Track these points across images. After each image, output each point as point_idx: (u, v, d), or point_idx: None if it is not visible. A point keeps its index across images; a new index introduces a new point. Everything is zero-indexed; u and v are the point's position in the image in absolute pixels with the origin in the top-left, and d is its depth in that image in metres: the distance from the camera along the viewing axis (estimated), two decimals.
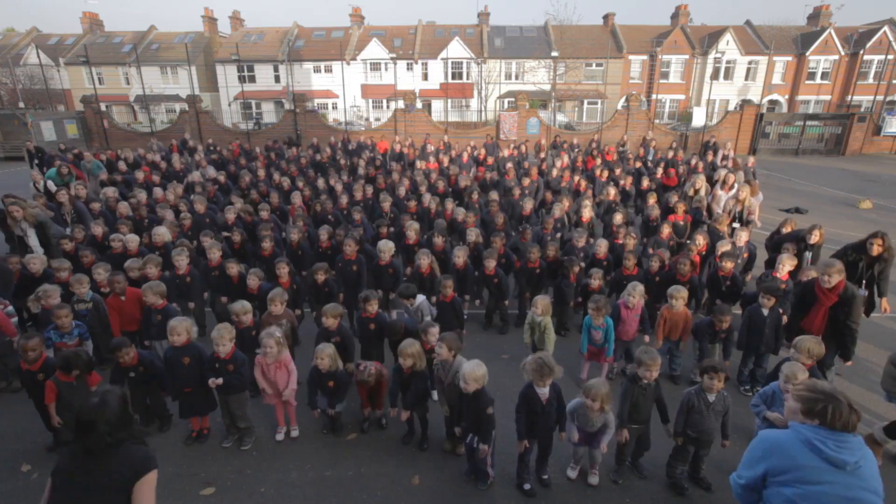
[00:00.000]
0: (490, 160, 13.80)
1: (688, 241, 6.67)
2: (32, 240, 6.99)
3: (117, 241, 6.41)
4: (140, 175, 10.41)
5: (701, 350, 4.86)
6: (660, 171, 11.34)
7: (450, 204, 8.33)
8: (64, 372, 3.79)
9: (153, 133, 21.82)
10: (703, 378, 3.51)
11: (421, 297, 5.28)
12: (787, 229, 6.61)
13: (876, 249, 5.25)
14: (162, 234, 6.62)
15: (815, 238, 6.24)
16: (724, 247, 6.05)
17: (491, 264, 5.92)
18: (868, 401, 4.82)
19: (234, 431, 4.24)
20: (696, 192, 9.19)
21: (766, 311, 4.75)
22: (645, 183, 10.14)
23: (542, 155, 14.33)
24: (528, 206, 8.08)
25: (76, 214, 7.95)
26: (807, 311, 4.69)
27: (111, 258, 6.16)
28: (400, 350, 3.90)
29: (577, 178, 10.73)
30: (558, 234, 7.63)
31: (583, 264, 6.19)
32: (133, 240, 6.41)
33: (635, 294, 4.95)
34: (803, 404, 2.17)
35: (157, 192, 9.45)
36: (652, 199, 8.47)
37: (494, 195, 8.75)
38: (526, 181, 10.11)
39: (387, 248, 6.01)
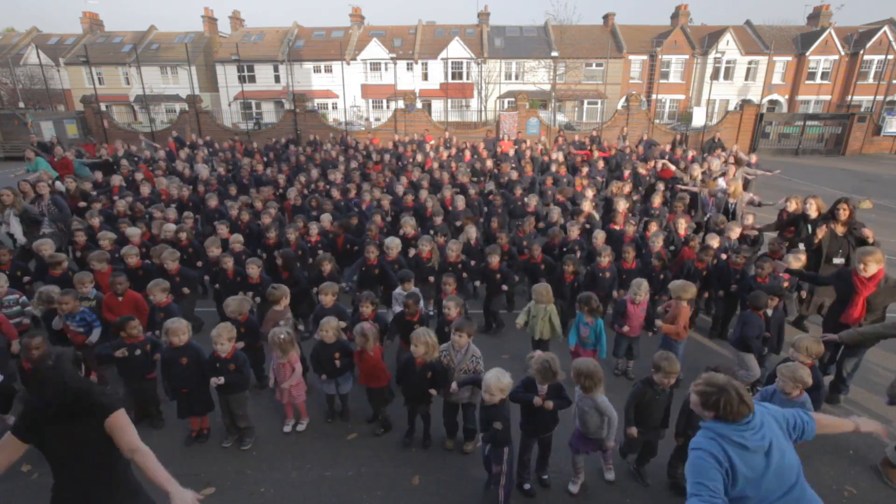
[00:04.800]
0: (485, 153, 13.90)
1: (692, 236, 6.73)
2: (14, 227, 7.12)
3: (105, 238, 6.39)
4: (139, 175, 10.42)
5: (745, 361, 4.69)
6: (659, 164, 11.41)
7: (448, 192, 8.34)
8: None
9: (153, 133, 21.77)
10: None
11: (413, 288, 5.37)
12: (791, 206, 6.65)
13: (843, 214, 5.57)
14: (170, 230, 6.69)
15: (813, 212, 6.39)
16: (713, 240, 6.16)
17: (494, 260, 5.92)
18: (868, 401, 4.83)
19: (234, 431, 4.24)
20: (693, 179, 9.46)
21: (770, 312, 4.74)
22: (643, 171, 10.32)
23: (540, 148, 14.42)
24: (533, 202, 8.12)
25: (55, 208, 7.89)
26: (844, 301, 4.56)
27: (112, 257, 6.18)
28: (413, 338, 3.85)
29: (584, 169, 10.86)
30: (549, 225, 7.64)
31: (580, 267, 6.16)
32: (135, 234, 6.54)
33: (640, 292, 4.94)
34: (700, 397, 2.27)
35: (162, 181, 9.50)
36: (658, 199, 8.52)
37: (491, 186, 8.80)
38: (517, 174, 10.11)
39: (394, 244, 6.07)
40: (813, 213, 6.36)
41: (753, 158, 12.36)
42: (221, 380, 3.88)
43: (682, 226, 6.89)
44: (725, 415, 2.18)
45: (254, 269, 5.60)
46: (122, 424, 2.37)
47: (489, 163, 11.57)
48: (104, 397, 2.40)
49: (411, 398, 4.04)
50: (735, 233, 6.57)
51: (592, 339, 4.70)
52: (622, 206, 7.67)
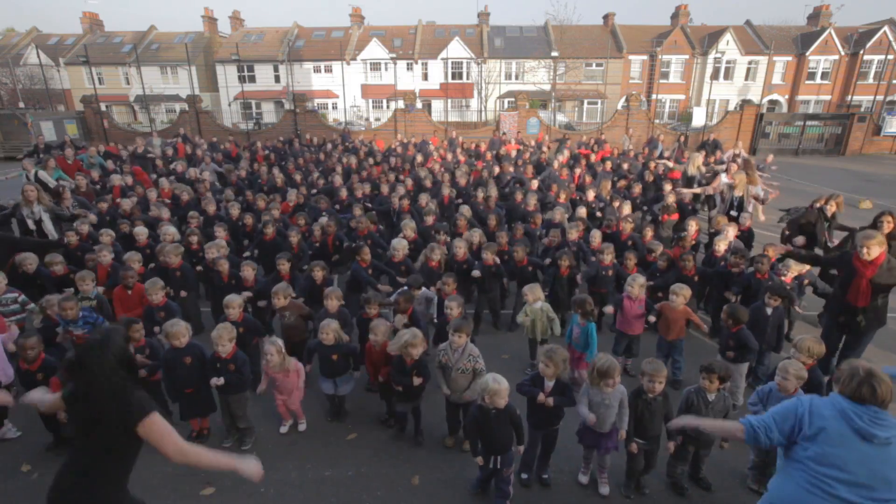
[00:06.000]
0: (489, 155, 13.87)
1: (682, 234, 6.69)
2: (48, 224, 7.05)
3: (106, 236, 6.40)
4: (139, 188, 10.38)
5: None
6: (660, 166, 11.39)
7: (446, 190, 8.33)
8: (68, 374, 3.75)
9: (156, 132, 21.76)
10: (702, 376, 3.50)
11: (423, 289, 5.40)
12: (831, 208, 6.55)
13: (887, 227, 5.38)
14: (171, 233, 6.69)
15: (832, 209, 6.41)
16: (721, 242, 6.11)
17: (488, 256, 5.89)
18: None
19: (234, 431, 4.24)
20: (697, 170, 9.46)
21: (769, 310, 4.74)
22: (649, 175, 10.35)
23: (545, 150, 14.40)
24: (532, 201, 8.11)
25: (78, 207, 7.92)
26: (845, 285, 4.55)
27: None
28: (407, 343, 3.84)
29: (578, 171, 10.84)
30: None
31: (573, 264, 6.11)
32: (142, 232, 6.55)
33: (635, 286, 4.95)
34: (841, 375, 2.31)
35: (164, 182, 9.49)
36: (671, 197, 8.50)
37: (493, 191, 8.79)
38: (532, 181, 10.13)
39: (400, 246, 6.10)
40: (830, 211, 6.40)
41: (769, 157, 12.26)
42: (221, 381, 3.88)
43: (693, 227, 6.86)
44: (856, 395, 2.20)
45: (248, 272, 5.53)
46: (159, 431, 2.26)
47: (495, 169, 11.45)
48: (137, 401, 2.27)
49: (403, 396, 4.05)
50: (731, 233, 6.54)
51: (583, 341, 4.70)
52: (626, 209, 7.65)
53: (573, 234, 6.55)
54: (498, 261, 5.95)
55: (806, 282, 5.70)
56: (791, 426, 2.33)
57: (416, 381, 3.87)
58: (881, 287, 4.39)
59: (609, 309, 5.14)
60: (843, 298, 4.61)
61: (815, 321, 6.30)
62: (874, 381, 2.18)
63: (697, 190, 9.17)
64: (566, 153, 12.71)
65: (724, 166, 10.02)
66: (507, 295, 6.59)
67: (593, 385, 3.44)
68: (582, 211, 7.83)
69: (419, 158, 12.76)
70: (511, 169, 11.15)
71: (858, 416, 2.16)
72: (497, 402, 3.23)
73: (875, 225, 5.57)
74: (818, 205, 6.70)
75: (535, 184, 9.64)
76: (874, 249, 4.28)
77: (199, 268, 6.17)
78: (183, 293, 5.84)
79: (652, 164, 11.35)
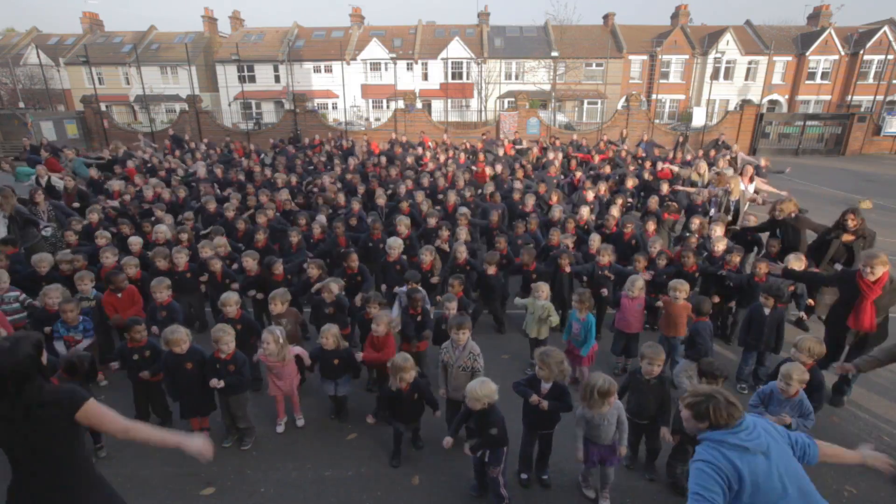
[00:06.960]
0: (482, 157, 13.86)
1: (686, 234, 6.67)
2: (0, 230, 6.88)
3: (102, 237, 6.36)
4: (139, 180, 10.38)
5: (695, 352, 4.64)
6: (660, 165, 11.40)
7: (452, 197, 8.42)
8: (68, 374, 3.77)
9: (153, 134, 21.80)
10: (701, 381, 3.50)
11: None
12: (780, 214, 6.38)
13: (852, 224, 5.49)
14: (163, 231, 6.66)
15: (781, 214, 6.21)
16: (720, 242, 6.13)
17: (491, 268, 5.90)
18: (868, 401, 4.83)
19: (234, 431, 4.23)
20: (700, 176, 9.43)
21: (766, 311, 4.74)
22: (647, 172, 10.37)
23: (534, 150, 14.43)
24: (530, 202, 8.12)
25: (56, 212, 7.79)
26: (847, 304, 4.49)
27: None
28: (397, 368, 3.71)
29: (579, 174, 10.85)
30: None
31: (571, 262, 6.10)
32: (136, 242, 6.41)
33: (634, 289, 4.96)
34: (691, 410, 2.24)
35: (154, 182, 9.45)
36: (654, 202, 8.46)
37: (491, 187, 8.80)
38: (518, 183, 10.13)
39: (396, 244, 6.15)
40: (780, 216, 6.28)
41: (763, 161, 12.17)
42: (221, 383, 3.88)
43: (696, 224, 6.85)
44: (717, 420, 2.16)
45: (249, 263, 5.66)
46: (98, 414, 2.30)
47: (499, 167, 11.42)
48: (70, 391, 2.29)
49: (401, 420, 3.95)
50: (717, 231, 6.54)
51: (582, 336, 4.71)
52: (617, 209, 7.66)
53: (568, 243, 6.53)
54: (494, 271, 5.94)
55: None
56: (724, 490, 2.08)
57: (436, 415, 3.97)
58: (882, 308, 4.38)
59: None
60: (845, 318, 4.52)
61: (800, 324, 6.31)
62: (731, 398, 2.17)
63: (691, 189, 8.94)
64: (559, 155, 12.74)
65: (716, 167, 10.02)
66: (507, 300, 6.60)
67: (593, 408, 3.29)
68: (584, 210, 7.83)
69: (409, 160, 12.76)
70: (507, 175, 11.10)
71: (740, 440, 2.10)
72: (468, 402, 3.26)
73: (841, 223, 5.61)
74: (776, 213, 6.70)
75: (518, 184, 9.64)
76: (878, 269, 4.23)
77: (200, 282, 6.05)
78: (202, 279, 5.89)
79: (647, 164, 11.39)
